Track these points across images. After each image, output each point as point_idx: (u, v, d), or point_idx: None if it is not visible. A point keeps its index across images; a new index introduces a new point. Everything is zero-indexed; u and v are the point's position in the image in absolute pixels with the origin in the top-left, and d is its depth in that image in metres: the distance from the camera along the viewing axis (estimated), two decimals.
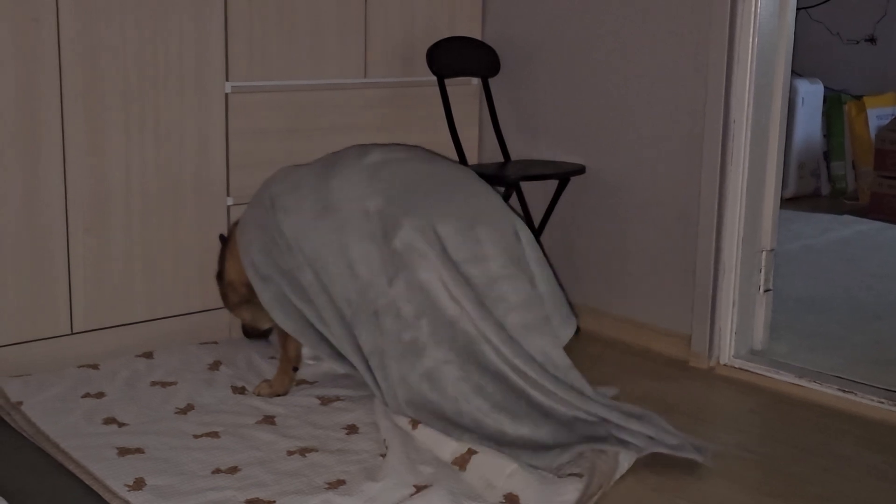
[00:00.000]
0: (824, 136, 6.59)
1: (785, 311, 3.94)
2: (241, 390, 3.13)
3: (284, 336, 3.11)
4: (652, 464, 2.69)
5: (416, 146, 3.45)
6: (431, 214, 2.88)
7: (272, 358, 3.35)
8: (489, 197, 3.03)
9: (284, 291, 3.01)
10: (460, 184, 3.04)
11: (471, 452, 2.59)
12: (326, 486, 2.50)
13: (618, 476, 2.60)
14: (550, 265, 3.05)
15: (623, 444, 2.69)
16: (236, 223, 3.27)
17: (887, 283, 4.56)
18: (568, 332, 3.01)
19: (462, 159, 3.81)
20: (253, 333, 3.48)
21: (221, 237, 3.40)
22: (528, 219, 3.90)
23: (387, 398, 2.87)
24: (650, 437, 2.73)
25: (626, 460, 2.65)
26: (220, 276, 3.34)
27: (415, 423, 2.75)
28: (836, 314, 4.08)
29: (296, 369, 3.15)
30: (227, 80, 3.49)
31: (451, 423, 2.71)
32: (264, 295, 3.04)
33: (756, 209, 3.48)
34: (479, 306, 2.79)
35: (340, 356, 3.08)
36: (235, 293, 3.28)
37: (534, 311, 2.87)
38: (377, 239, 2.89)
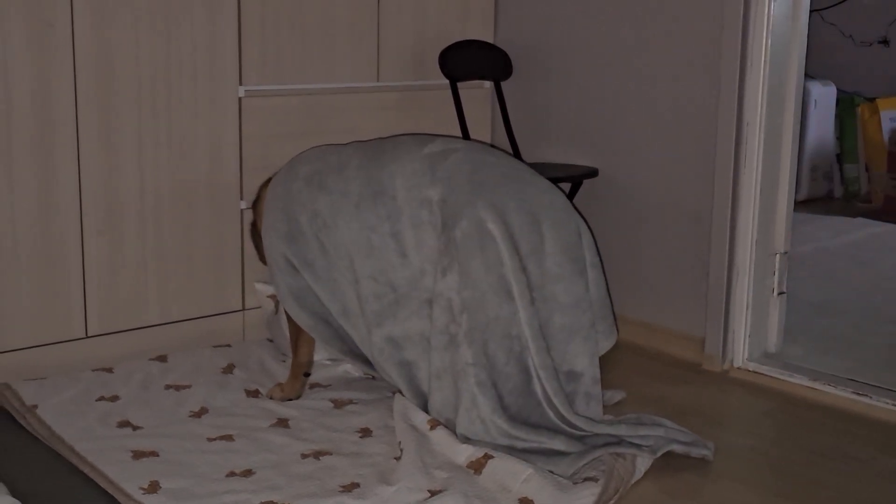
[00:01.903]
0: (837, 138, 6.58)
1: (798, 313, 3.93)
2: (254, 393, 3.13)
3: (296, 341, 3.12)
4: (665, 467, 2.69)
5: (474, 140, 3.39)
6: (501, 204, 2.79)
7: (285, 361, 3.36)
8: (555, 194, 2.94)
9: (308, 281, 3.01)
10: (526, 178, 2.94)
11: (487, 457, 2.58)
12: (340, 489, 2.51)
13: (634, 480, 2.60)
14: (604, 273, 3.00)
15: (637, 447, 2.69)
16: (268, 181, 3.22)
17: None
18: (607, 344, 2.98)
19: None
20: None
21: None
22: None
23: (418, 395, 2.86)
24: (661, 437, 2.74)
25: (643, 465, 2.65)
26: (255, 226, 3.29)
27: (433, 424, 2.74)
28: (850, 317, 4.07)
29: (307, 374, 3.15)
30: (240, 84, 3.50)
31: (467, 424, 2.71)
32: (279, 286, 3.04)
33: (769, 212, 3.47)
34: (528, 306, 2.73)
35: (353, 353, 3.09)
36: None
37: (581, 314, 2.82)
38: (437, 228, 2.82)
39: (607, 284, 3.02)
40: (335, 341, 3.07)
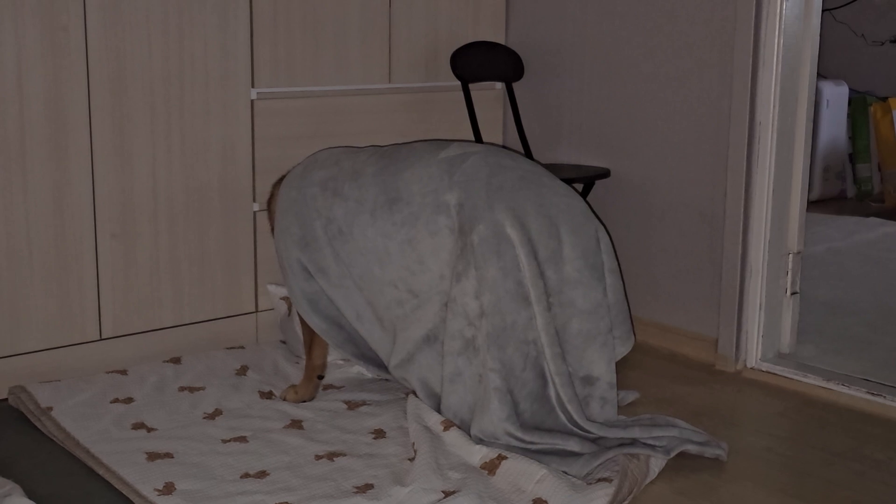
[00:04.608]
0: (849, 138, 6.56)
1: (812, 313, 3.92)
2: (268, 395, 3.14)
3: (310, 343, 3.12)
4: (679, 467, 2.69)
5: (491, 143, 3.37)
6: (519, 208, 2.77)
7: (298, 362, 3.36)
8: (572, 198, 2.91)
9: (321, 286, 3.01)
10: (544, 182, 2.90)
11: (501, 458, 2.58)
12: (355, 490, 2.51)
13: (648, 481, 2.60)
14: (622, 278, 2.98)
15: (651, 447, 2.68)
16: (281, 179, 3.22)
17: None
18: (624, 350, 2.96)
19: None
20: None
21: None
22: None
23: (432, 396, 2.86)
24: (675, 437, 2.74)
25: (656, 465, 2.65)
26: (274, 232, 3.28)
27: (447, 425, 2.75)
28: (864, 317, 4.06)
29: (321, 377, 3.15)
30: (252, 86, 3.51)
31: (481, 426, 2.71)
32: (293, 290, 3.04)
33: (782, 211, 3.46)
34: (545, 311, 2.72)
35: (366, 357, 3.09)
36: None
37: (599, 320, 2.81)
38: (454, 232, 2.79)
39: (625, 289, 3.01)
40: (348, 345, 3.08)
